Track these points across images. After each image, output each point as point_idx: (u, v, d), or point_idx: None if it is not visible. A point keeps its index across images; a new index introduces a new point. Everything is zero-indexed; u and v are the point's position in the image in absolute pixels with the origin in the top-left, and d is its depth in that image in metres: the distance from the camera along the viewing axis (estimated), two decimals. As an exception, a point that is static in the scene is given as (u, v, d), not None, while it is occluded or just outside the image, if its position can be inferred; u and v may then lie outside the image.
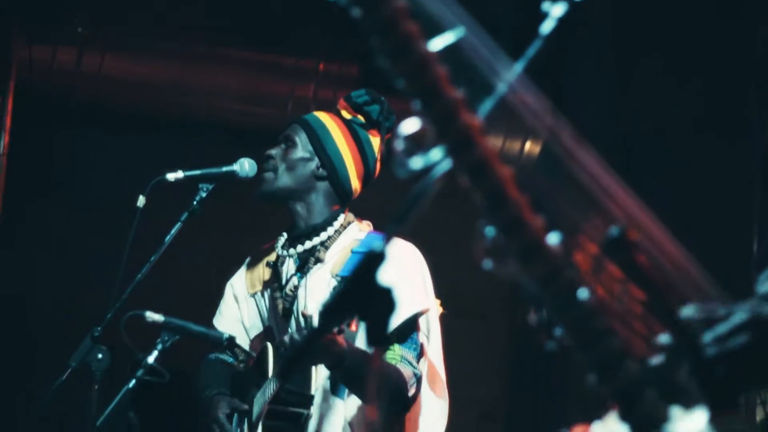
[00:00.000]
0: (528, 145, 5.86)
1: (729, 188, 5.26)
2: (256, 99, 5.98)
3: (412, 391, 3.25)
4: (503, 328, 6.43)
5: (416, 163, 1.56)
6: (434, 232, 5.21)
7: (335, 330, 2.82)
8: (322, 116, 3.54)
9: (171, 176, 3.44)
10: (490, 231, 1.53)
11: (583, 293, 1.47)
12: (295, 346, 2.92)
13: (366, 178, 3.50)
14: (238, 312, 3.53)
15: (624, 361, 1.47)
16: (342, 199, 3.48)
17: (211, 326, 3.43)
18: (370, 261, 1.64)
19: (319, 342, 2.77)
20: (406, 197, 1.62)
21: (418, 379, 3.28)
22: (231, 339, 3.12)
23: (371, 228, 3.50)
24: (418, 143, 1.58)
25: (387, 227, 1.60)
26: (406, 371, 3.24)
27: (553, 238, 1.53)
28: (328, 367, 3.14)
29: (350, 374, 3.11)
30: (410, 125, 1.57)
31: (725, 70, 5.43)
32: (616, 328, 1.49)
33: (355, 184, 3.48)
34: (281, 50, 6.00)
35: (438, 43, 1.57)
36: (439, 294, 3.55)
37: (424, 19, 1.61)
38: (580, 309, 1.48)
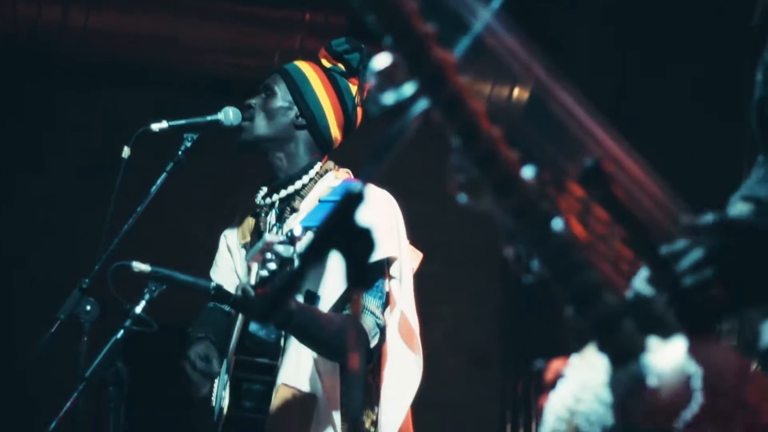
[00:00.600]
0: (516, 91, 5.84)
1: (720, 142, 5.23)
2: (243, 51, 5.95)
3: (374, 342, 3.21)
4: (495, 274, 6.44)
5: (388, 98, 1.55)
6: (425, 180, 5.21)
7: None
8: (302, 65, 3.52)
9: (155, 126, 3.41)
10: (464, 165, 1.52)
11: (557, 225, 1.47)
12: (239, 300, 2.91)
13: (346, 126, 3.48)
14: (232, 262, 3.52)
15: (601, 292, 1.47)
16: (322, 149, 3.46)
17: (203, 276, 3.41)
18: (347, 203, 1.62)
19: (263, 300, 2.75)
20: (382, 138, 1.60)
21: (382, 329, 3.24)
22: (218, 288, 3.10)
23: (349, 176, 3.47)
24: (390, 79, 1.56)
25: (364, 168, 1.58)
26: (367, 321, 3.20)
27: (527, 172, 1.52)
28: (275, 325, 3.13)
29: (300, 332, 3.09)
30: (382, 61, 1.55)
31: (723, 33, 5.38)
32: (593, 260, 1.49)
33: (335, 132, 3.45)
34: (268, 2, 5.97)
35: (409, -22, 1.55)
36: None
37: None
38: (555, 241, 1.48)
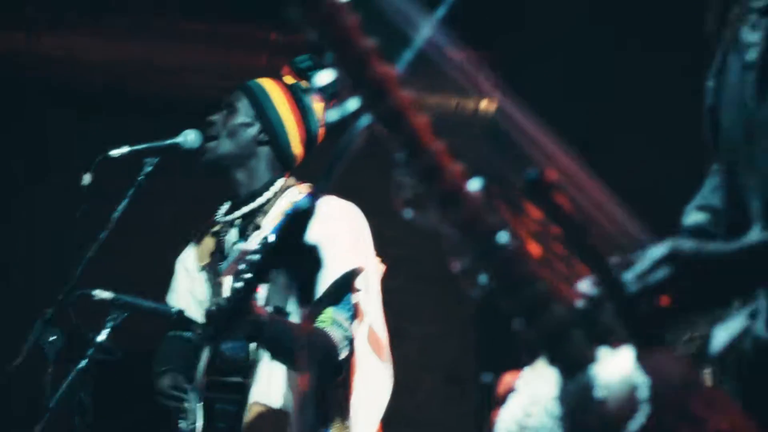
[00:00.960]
0: (483, 103, 5.83)
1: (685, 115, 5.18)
2: (209, 71, 5.94)
3: (343, 355, 3.20)
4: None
5: (332, 114, 1.54)
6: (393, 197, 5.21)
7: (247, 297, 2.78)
8: (265, 82, 3.53)
9: (115, 152, 3.39)
10: (409, 180, 1.51)
11: (503, 237, 1.46)
12: (214, 314, 2.89)
13: (309, 143, 3.47)
14: (190, 286, 3.50)
15: (549, 304, 1.46)
16: (284, 165, 3.45)
17: (163, 302, 3.39)
18: (296, 219, 1.62)
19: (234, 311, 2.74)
20: (331, 153, 1.60)
21: (351, 342, 3.24)
22: (180, 312, 3.09)
23: (311, 189, 3.46)
24: (334, 95, 1.56)
25: (316, 184, 1.59)
26: (336, 334, 3.19)
27: (474, 184, 1.51)
28: (246, 338, 3.11)
29: (272, 344, 3.07)
30: (325, 77, 1.55)
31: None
32: (541, 272, 1.48)
33: (297, 149, 3.45)
34: (233, 21, 5.96)
35: (349, -7, 1.55)
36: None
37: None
38: (502, 254, 1.46)
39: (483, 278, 1.50)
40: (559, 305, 1.46)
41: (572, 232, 1.45)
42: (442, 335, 6.48)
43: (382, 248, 3.43)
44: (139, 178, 3.40)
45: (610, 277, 1.45)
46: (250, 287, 1.65)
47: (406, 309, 3.38)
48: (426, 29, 1.62)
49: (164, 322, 3.29)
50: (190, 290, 3.47)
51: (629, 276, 1.49)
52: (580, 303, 1.48)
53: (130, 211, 3.40)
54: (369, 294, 3.33)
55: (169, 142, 3.43)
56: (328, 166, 1.56)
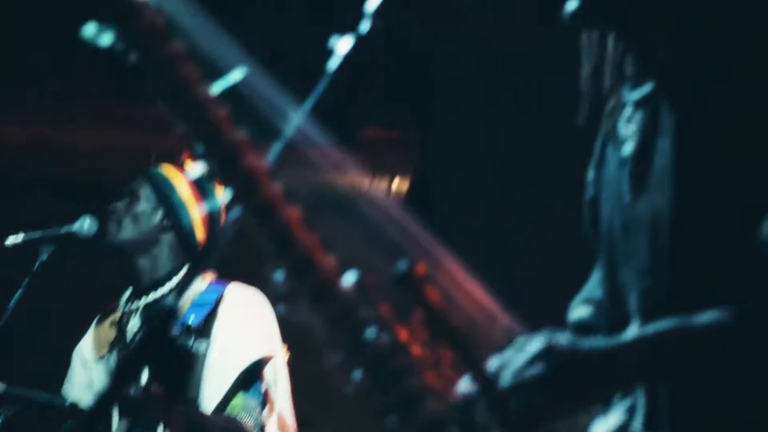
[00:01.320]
0: (396, 181, 5.83)
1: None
2: (118, 153, 5.89)
3: None
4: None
5: (203, 208, 1.52)
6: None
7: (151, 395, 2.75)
8: (166, 168, 3.52)
9: (10, 241, 3.35)
10: (279, 275, 1.48)
11: (373, 333, 1.43)
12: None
13: (211, 227, 3.45)
14: (87, 378, 3.43)
15: (423, 400, 1.43)
16: (187, 252, 3.42)
17: (59, 393, 3.32)
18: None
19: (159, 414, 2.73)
20: (206, 242, 1.57)
21: (261, 429, 3.24)
22: (73, 406, 3.03)
23: (215, 278, 3.44)
24: (205, 187, 1.53)
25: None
26: (247, 422, 3.20)
27: (348, 278, 1.48)
28: (166, 426, 3.07)
29: None
30: (196, 169, 1.52)
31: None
32: (416, 368, 1.45)
33: (201, 234, 3.42)
34: (142, 103, 5.94)
35: (219, 86, 1.53)
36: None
37: (206, 59, 1.56)
38: (374, 349, 1.43)
39: (357, 374, 1.46)
40: (434, 402, 1.43)
41: (442, 327, 1.43)
42: (353, 418, 6.40)
43: (289, 335, 3.41)
44: (34, 268, 3.34)
45: (482, 373, 1.43)
46: (111, 397, 1.60)
47: (315, 394, 3.35)
48: (297, 119, 1.60)
49: (58, 415, 3.21)
50: (87, 381, 3.41)
51: (504, 371, 1.46)
52: (455, 399, 1.45)
53: (26, 300, 3.33)
54: (278, 381, 3.33)
55: (64, 230, 3.38)
56: (200, 259, 1.53)
